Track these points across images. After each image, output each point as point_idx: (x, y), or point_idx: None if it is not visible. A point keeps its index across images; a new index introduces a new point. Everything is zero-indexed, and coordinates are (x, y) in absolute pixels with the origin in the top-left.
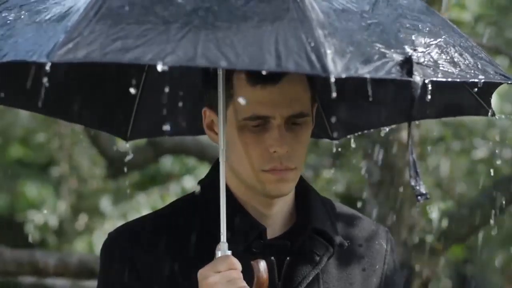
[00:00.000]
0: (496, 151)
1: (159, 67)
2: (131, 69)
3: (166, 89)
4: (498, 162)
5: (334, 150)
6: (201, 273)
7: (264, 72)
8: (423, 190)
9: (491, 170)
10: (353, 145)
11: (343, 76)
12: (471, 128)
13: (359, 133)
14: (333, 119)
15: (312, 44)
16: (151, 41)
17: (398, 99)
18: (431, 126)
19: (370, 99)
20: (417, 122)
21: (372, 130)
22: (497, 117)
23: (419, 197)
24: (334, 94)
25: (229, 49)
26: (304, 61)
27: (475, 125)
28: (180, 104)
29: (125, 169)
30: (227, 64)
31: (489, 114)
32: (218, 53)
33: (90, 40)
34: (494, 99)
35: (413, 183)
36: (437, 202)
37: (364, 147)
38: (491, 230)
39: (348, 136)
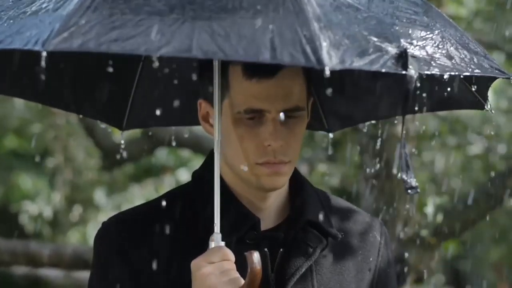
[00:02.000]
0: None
1: (155, 57)
2: (127, 59)
3: (162, 80)
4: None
5: (330, 143)
6: (194, 263)
7: (260, 66)
8: (413, 183)
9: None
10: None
11: (338, 68)
12: (466, 124)
13: (355, 125)
14: (329, 111)
15: (308, 37)
16: (146, 32)
17: (394, 92)
18: (427, 121)
19: (366, 91)
20: (412, 116)
21: (367, 123)
22: (492, 112)
23: (409, 191)
24: (328, 86)
25: (225, 41)
26: (299, 54)
27: (471, 121)
28: (176, 94)
29: (120, 160)
30: (222, 56)
31: (486, 108)
32: (213, 44)
33: (86, 29)
34: (490, 95)
35: (404, 176)
36: (432, 197)
37: (359, 141)
38: (485, 225)
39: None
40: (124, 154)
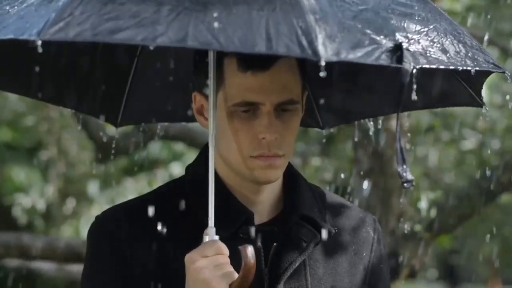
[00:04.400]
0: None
1: (151, 47)
2: (122, 55)
3: (157, 75)
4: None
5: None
6: (188, 257)
7: (255, 58)
8: (409, 177)
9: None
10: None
11: (333, 60)
12: (460, 119)
13: (349, 123)
14: (323, 108)
15: (303, 28)
16: (142, 22)
17: (388, 89)
18: (420, 116)
19: (360, 88)
20: (407, 112)
21: (361, 120)
22: (486, 109)
23: (405, 184)
24: (323, 77)
25: (220, 32)
26: (295, 45)
27: (465, 116)
28: (171, 90)
29: (113, 155)
30: (218, 46)
31: (481, 106)
32: (209, 35)
33: (82, 19)
34: (484, 91)
35: (399, 170)
36: (425, 192)
37: (353, 136)
38: (478, 221)
39: (337, 126)
40: (115, 148)
